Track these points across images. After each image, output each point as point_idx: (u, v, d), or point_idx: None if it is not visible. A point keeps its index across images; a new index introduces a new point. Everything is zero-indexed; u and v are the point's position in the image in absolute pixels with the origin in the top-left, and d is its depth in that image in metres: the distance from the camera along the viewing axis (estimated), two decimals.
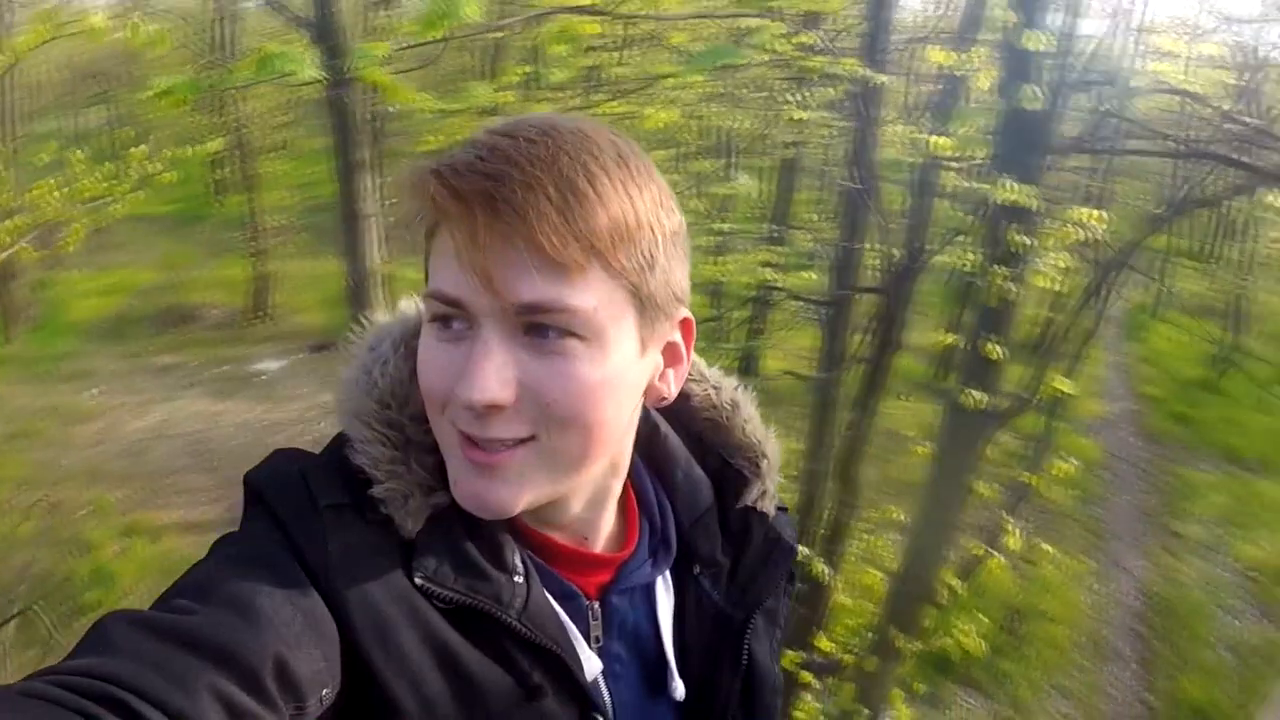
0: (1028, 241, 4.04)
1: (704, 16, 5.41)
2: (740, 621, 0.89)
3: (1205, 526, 10.05)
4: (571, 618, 0.79)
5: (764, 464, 0.92)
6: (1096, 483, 10.60)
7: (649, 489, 0.88)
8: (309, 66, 3.47)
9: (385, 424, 0.76)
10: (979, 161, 4.65)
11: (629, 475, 0.85)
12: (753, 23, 4.87)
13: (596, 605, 0.82)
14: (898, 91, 6.93)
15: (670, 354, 0.79)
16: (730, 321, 8.91)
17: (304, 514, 0.72)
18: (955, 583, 5.32)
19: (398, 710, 0.69)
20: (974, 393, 4.26)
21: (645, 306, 0.72)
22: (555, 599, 0.78)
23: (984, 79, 4.57)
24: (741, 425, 0.92)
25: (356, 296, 4.88)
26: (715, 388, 0.93)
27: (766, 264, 6.05)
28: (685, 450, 0.90)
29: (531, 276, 0.66)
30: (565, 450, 0.72)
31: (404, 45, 4.60)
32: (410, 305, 0.85)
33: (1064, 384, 5.50)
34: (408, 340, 0.81)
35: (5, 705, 0.52)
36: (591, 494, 0.80)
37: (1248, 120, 5.71)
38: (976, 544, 5.63)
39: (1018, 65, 4.12)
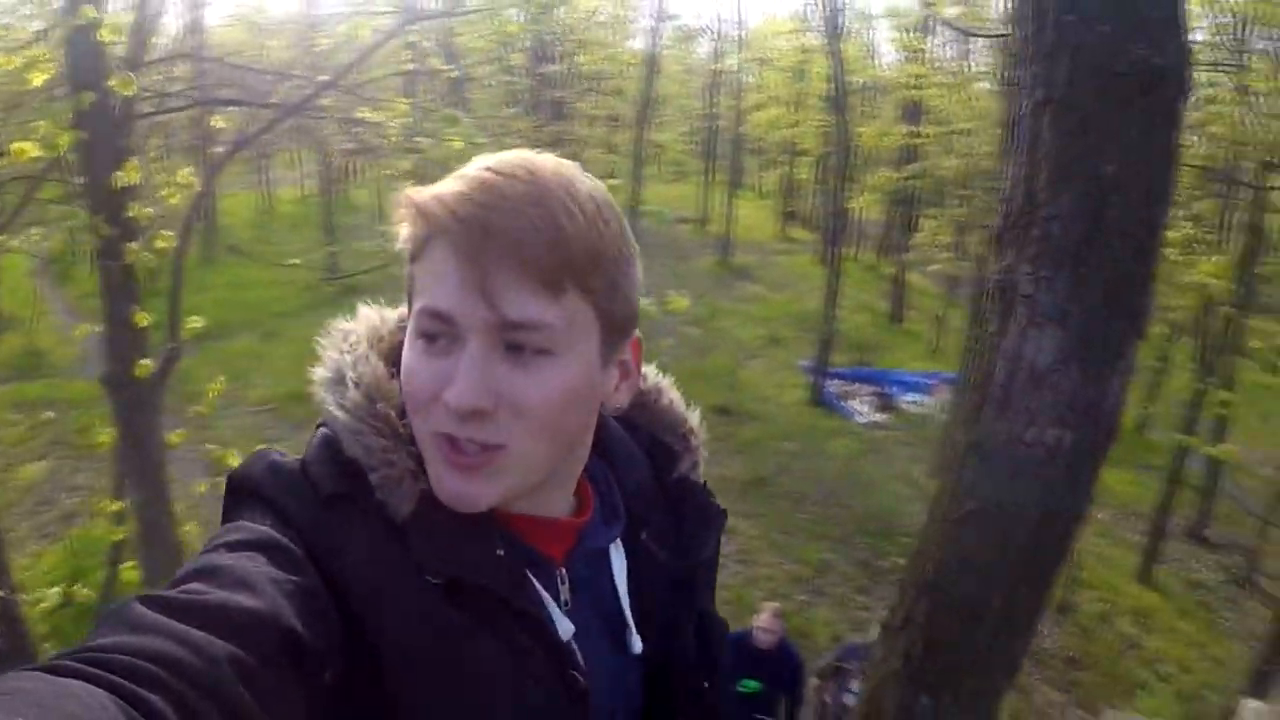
0: None
1: None
2: (687, 579, 0.98)
3: None
4: (543, 584, 0.87)
5: (691, 439, 1.04)
6: None
7: (595, 464, 0.96)
8: None
9: (375, 416, 0.83)
10: None
11: None
12: None
13: (564, 571, 0.89)
14: None
15: (623, 369, 0.88)
16: None
17: (308, 504, 0.79)
18: None
19: (400, 679, 0.75)
20: None
21: (608, 326, 0.82)
22: (529, 568, 0.86)
23: None
24: (667, 406, 1.05)
25: None
26: (641, 375, 1.00)
27: None
28: (621, 429, 1.00)
29: (521, 295, 0.75)
30: (533, 454, 0.81)
31: None
32: (371, 311, 0.94)
33: None
34: (376, 341, 0.90)
35: (36, 680, 0.54)
36: (556, 477, 0.88)
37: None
38: None
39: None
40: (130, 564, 4.77)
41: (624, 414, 0.99)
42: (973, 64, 20.28)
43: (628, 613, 0.94)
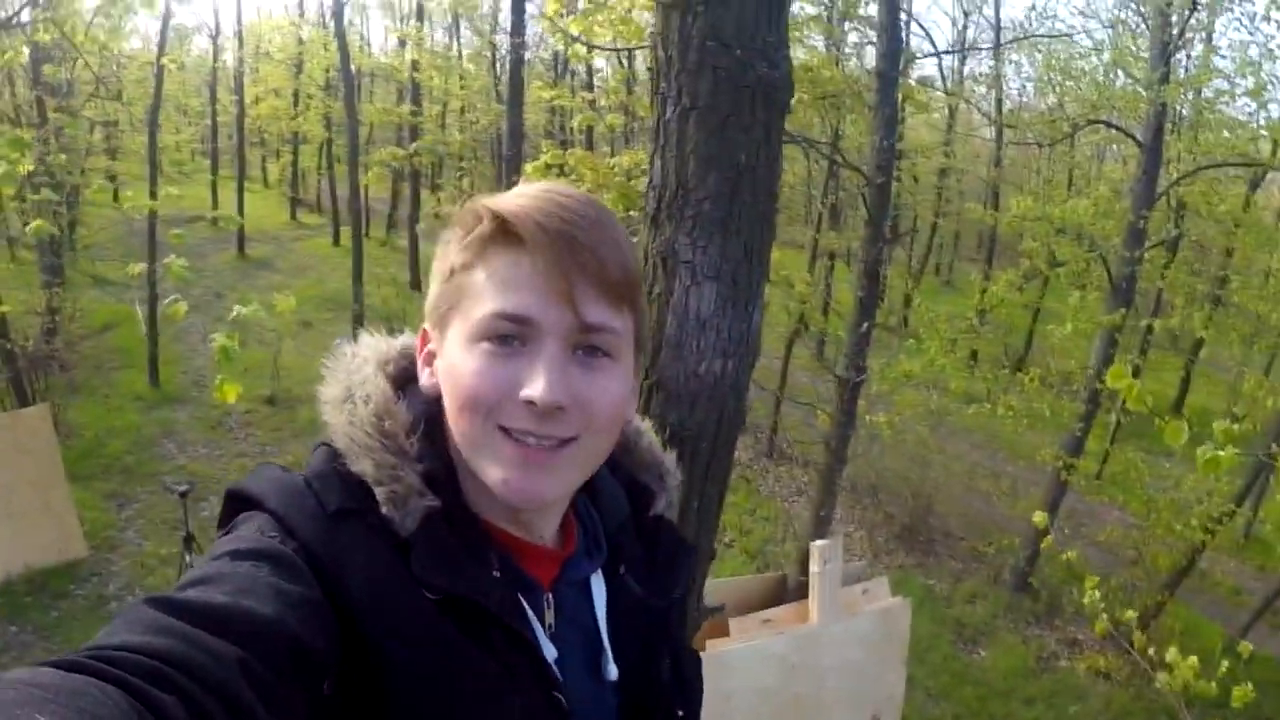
0: None
1: None
2: (662, 611, 1.04)
3: None
4: (531, 607, 0.90)
5: (667, 479, 1.11)
6: None
7: (580, 500, 1.01)
8: None
9: (382, 434, 0.86)
10: None
11: None
12: None
13: (550, 596, 0.93)
14: None
15: (634, 390, 0.96)
16: None
17: (314, 519, 0.81)
18: None
19: (398, 686, 0.77)
20: None
21: (638, 345, 0.91)
22: (520, 591, 0.90)
23: None
24: (646, 448, 1.12)
25: None
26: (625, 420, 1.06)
27: None
28: (604, 469, 1.02)
29: (599, 304, 0.83)
30: (595, 450, 0.88)
31: None
32: (375, 338, 1.00)
33: None
34: (384, 364, 0.95)
35: (53, 676, 0.55)
36: (555, 504, 0.94)
37: None
38: None
39: None
40: None
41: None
42: (463, 49, 21.30)
43: (606, 641, 0.97)
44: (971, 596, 10.49)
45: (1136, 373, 13.24)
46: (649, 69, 2.50)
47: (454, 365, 0.85)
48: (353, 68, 15.47)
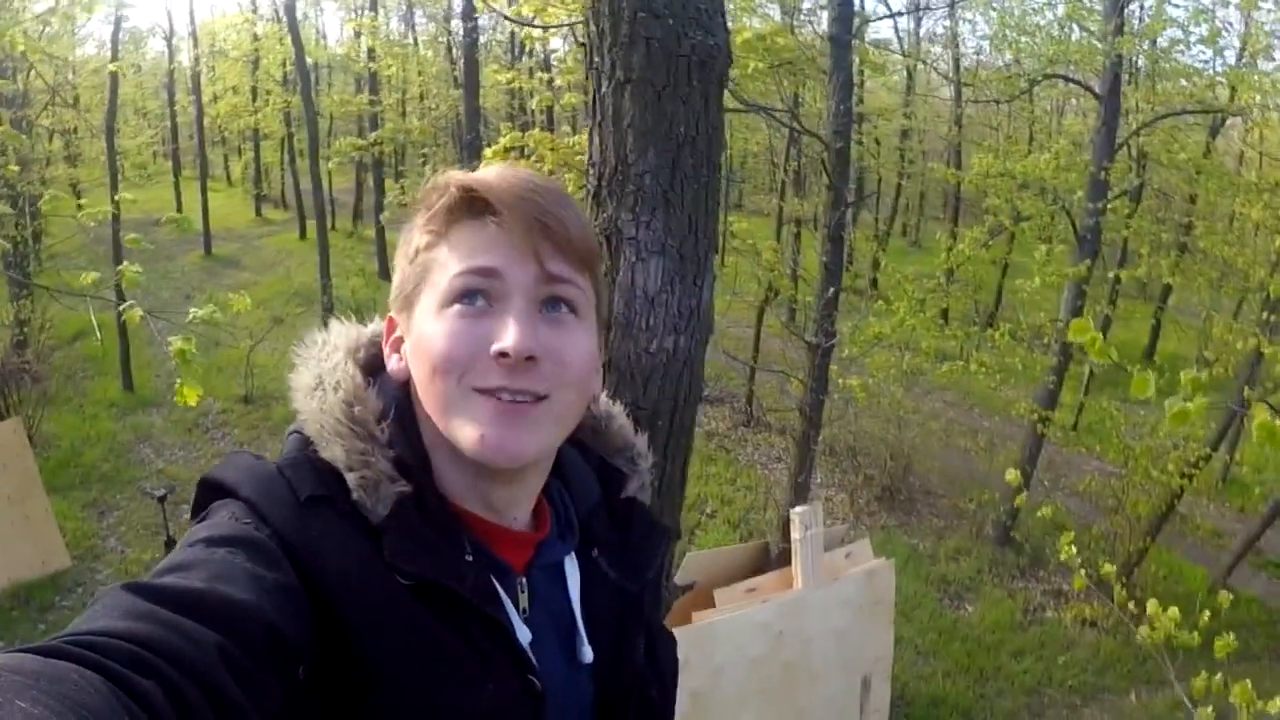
0: None
1: None
2: (636, 594, 1.04)
3: None
4: (505, 591, 0.90)
5: (639, 461, 1.11)
6: None
7: (552, 483, 1.01)
8: None
9: (352, 420, 0.87)
10: None
11: None
12: None
13: (524, 580, 0.93)
14: None
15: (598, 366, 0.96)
16: None
17: (286, 506, 0.81)
18: None
19: (373, 673, 0.78)
20: None
21: (599, 314, 0.93)
22: (494, 575, 0.90)
23: None
24: (617, 430, 1.12)
25: None
26: (593, 401, 1.09)
27: None
28: (574, 452, 1.06)
29: (561, 260, 0.86)
30: (569, 405, 0.89)
31: None
32: (347, 326, 1.00)
33: None
34: (354, 351, 0.96)
35: (32, 663, 0.55)
36: (526, 486, 0.95)
37: None
38: None
39: None
40: None
41: (576, 438, 1.02)
42: (419, 36, 21.13)
43: (580, 624, 0.97)
44: (955, 553, 10.60)
45: (1107, 323, 13.41)
46: (580, 43, 2.48)
47: (423, 335, 0.86)
48: (309, 60, 15.34)
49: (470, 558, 0.87)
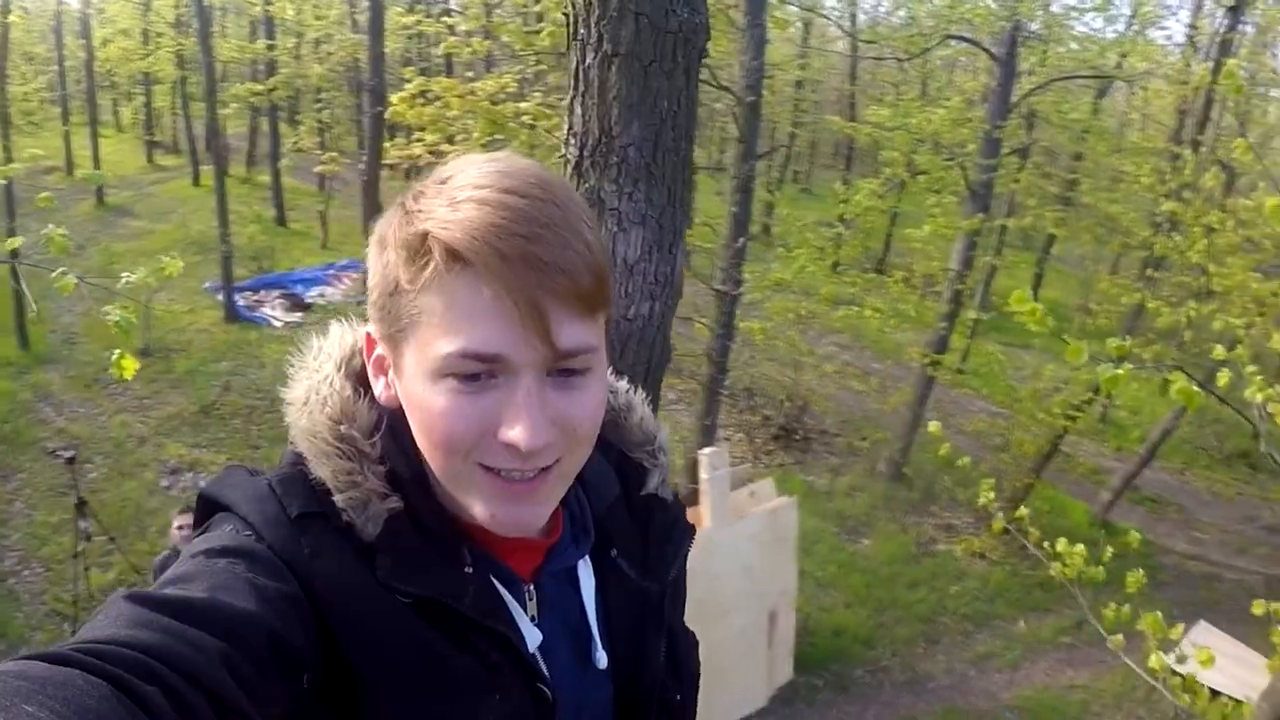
0: None
1: None
2: (657, 594, 0.99)
3: None
4: (513, 598, 0.88)
5: (660, 456, 1.05)
6: None
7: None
8: None
9: (339, 439, 0.83)
10: None
11: None
12: None
13: (532, 587, 0.90)
14: None
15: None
16: None
17: (277, 523, 0.79)
18: None
19: (375, 694, 0.76)
20: None
21: (606, 333, 0.82)
22: (499, 583, 0.87)
23: None
24: (638, 423, 1.05)
25: None
26: (612, 392, 1.04)
27: None
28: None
29: (574, 326, 0.75)
30: (577, 462, 0.83)
31: None
32: (343, 329, 0.94)
33: None
34: (346, 361, 0.90)
35: (37, 669, 0.55)
36: None
37: None
38: None
39: None
40: None
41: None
42: None
43: (594, 628, 0.94)
44: (851, 489, 11.12)
45: (993, 272, 14.01)
46: (564, 13, 2.56)
47: (419, 398, 0.78)
48: (205, 1, 14.82)
49: (470, 569, 0.84)
